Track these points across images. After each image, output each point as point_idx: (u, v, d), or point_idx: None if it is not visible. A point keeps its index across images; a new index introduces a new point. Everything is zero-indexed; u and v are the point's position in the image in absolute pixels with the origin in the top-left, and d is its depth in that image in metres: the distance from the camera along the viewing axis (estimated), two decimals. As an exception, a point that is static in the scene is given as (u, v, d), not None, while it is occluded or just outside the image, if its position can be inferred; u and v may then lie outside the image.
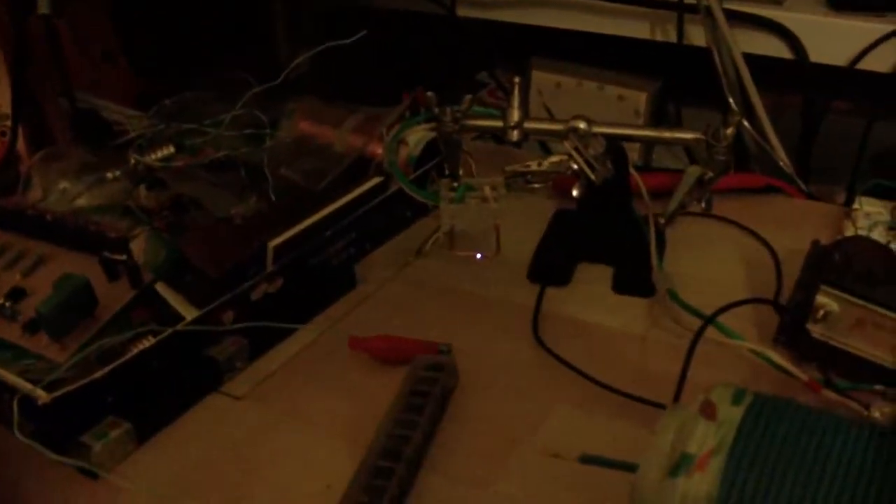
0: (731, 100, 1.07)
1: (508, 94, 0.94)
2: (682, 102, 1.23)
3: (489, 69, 1.40)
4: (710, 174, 0.88)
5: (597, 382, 0.82)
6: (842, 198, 1.17)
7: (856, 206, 1.02)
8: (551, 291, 0.94)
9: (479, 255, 0.94)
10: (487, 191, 0.91)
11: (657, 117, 1.24)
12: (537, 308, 0.91)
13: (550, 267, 0.96)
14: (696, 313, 0.85)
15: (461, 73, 1.40)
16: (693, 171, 0.87)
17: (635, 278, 0.94)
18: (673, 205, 0.85)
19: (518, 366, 0.84)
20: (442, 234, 0.92)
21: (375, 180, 1.00)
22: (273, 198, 0.96)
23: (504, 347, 0.86)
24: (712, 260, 0.97)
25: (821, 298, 0.81)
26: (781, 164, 1.09)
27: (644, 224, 0.96)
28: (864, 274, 0.81)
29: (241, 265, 0.88)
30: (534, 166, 1.03)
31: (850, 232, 0.99)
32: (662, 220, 0.84)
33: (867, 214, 1.01)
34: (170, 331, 0.81)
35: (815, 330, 0.82)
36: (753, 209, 1.05)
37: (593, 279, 0.96)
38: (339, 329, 0.90)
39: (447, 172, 0.92)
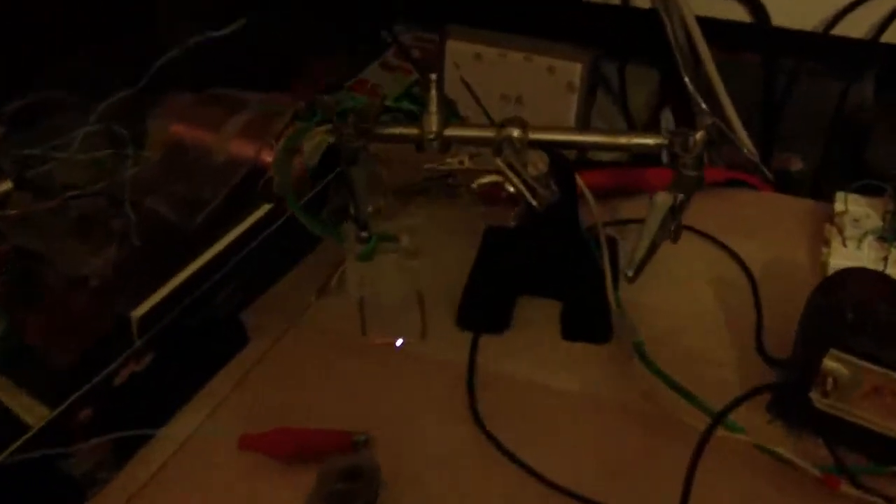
0: (696, 95, 0.88)
1: (425, 94, 0.75)
2: (626, 71, 1.07)
3: (390, 29, 1.20)
4: (682, 197, 0.69)
5: (554, 486, 0.65)
6: (798, 164, 1.04)
7: (839, 206, 0.86)
8: (487, 340, 0.77)
9: (399, 342, 0.75)
10: (404, 241, 0.71)
11: (594, 92, 1.06)
12: (471, 370, 0.74)
13: (484, 309, 0.80)
14: (682, 392, 0.68)
15: (362, 35, 1.20)
16: (662, 202, 0.68)
17: (589, 321, 0.78)
18: (641, 251, 0.65)
19: (454, 457, 0.68)
20: (352, 300, 0.73)
21: (264, 209, 0.82)
22: (137, 243, 0.75)
23: (435, 430, 0.70)
24: (675, 282, 0.82)
25: (829, 364, 0.64)
26: (746, 151, 0.91)
27: (595, 248, 0.80)
28: (881, 329, 0.64)
29: (98, 344, 0.69)
30: (455, 165, 0.90)
31: (835, 241, 0.83)
32: (630, 275, 0.65)
33: (855, 220, 0.83)
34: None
35: (821, 401, 0.65)
36: (716, 210, 0.89)
37: (537, 319, 0.80)
38: (228, 410, 0.72)
39: (353, 212, 0.73)
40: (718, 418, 0.62)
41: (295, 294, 0.84)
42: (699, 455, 0.59)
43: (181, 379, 0.74)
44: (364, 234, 0.72)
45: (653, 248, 0.67)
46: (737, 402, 0.63)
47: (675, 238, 0.70)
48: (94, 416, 0.67)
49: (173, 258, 0.75)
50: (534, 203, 0.70)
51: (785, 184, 0.99)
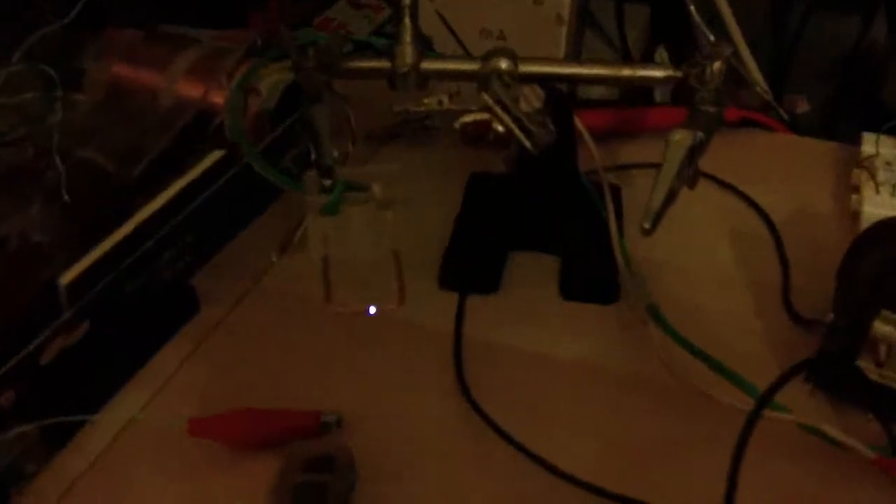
0: (702, 26, 0.78)
1: (397, 24, 0.65)
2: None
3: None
4: (700, 136, 0.59)
5: (557, 473, 0.56)
6: (804, 106, 0.99)
7: (868, 148, 0.78)
8: (475, 302, 0.69)
9: (372, 310, 0.65)
10: (376, 191, 0.63)
11: (583, 28, 0.97)
12: (458, 339, 0.66)
13: (470, 267, 0.72)
14: (716, 366, 0.59)
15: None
16: (680, 140, 0.58)
17: (592, 278, 0.70)
18: (658, 199, 0.55)
19: (442, 441, 0.60)
20: (314, 261, 0.64)
21: (215, 156, 0.71)
22: (67, 197, 0.66)
23: (418, 409, 0.62)
24: (687, 235, 0.73)
25: (881, 328, 0.56)
26: (759, 89, 0.84)
27: (597, 197, 0.72)
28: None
29: (20, 316, 0.58)
30: (433, 105, 0.83)
31: (867, 187, 0.75)
32: (647, 227, 0.56)
33: (887, 164, 0.76)
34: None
35: (873, 371, 0.57)
36: (729, 154, 0.80)
37: (532, 278, 0.72)
38: (176, 389, 0.64)
39: (314, 157, 0.63)
40: (766, 399, 0.52)
41: (253, 254, 0.74)
42: (745, 443, 0.49)
43: (120, 355, 0.64)
44: (328, 182, 0.63)
45: (671, 196, 0.57)
46: (784, 379, 0.53)
47: (693, 184, 0.61)
48: (17, 399, 0.57)
49: (110, 215, 0.65)
50: (527, 145, 0.61)
51: (790, 127, 0.92)
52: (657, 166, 0.70)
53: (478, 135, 0.79)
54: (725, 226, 0.76)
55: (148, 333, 0.67)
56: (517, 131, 0.61)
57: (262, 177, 0.67)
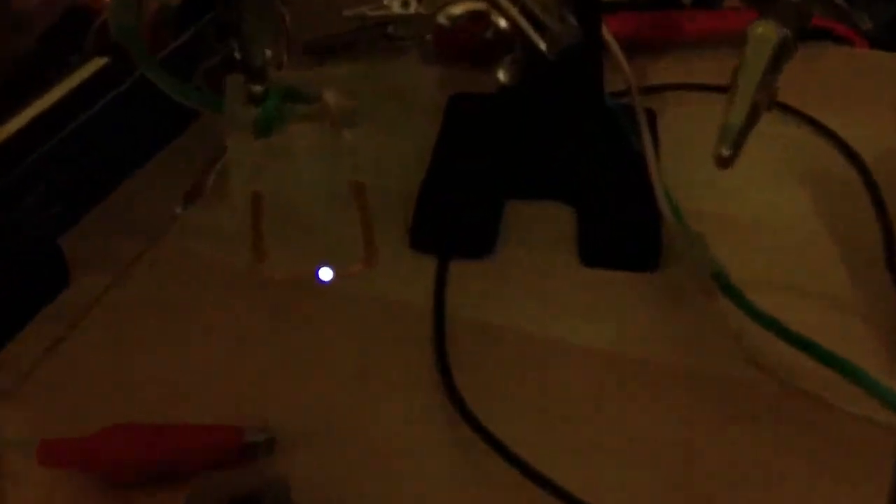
0: None
1: None
2: None
3: None
4: (786, 32, 0.51)
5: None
6: (867, 24, 0.88)
7: None
8: (461, 270, 0.64)
9: (325, 275, 0.57)
10: (330, 99, 0.55)
11: None
12: (438, 318, 0.60)
13: (452, 222, 0.67)
14: (814, 349, 0.51)
15: None
16: (765, 34, 0.50)
17: (623, 235, 0.64)
18: (739, 115, 0.47)
19: (419, 459, 0.54)
20: (234, 207, 0.57)
21: (94, 66, 0.67)
22: None
23: (384, 412, 0.57)
24: (752, 179, 0.67)
25: None
26: None
27: (629, 125, 0.66)
28: None
29: None
30: (396, 8, 0.79)
31: None
32: (726, 153, 0.47)
33: None
34: None
35: None
36: (800, 75, 0.66)
37: (538, 236, 0.66)
38: (30, 395, 0.57)
39: (239, 56, 0.57)
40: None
41: (148, 202, 0.70)
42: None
43: None
44: (258, 89, 0.56)
45: (754, 112, 0.49)
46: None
47: (771, 104, 0.53)
48: None
49: None
50: (540, 46, 0.55)
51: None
52: (700, 88, 0.71)
53: (460, 44, 0.74)
54: (800, 166, 0.69)
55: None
56: (527, 27, 0.55)
57: (161, 96, 0.61)
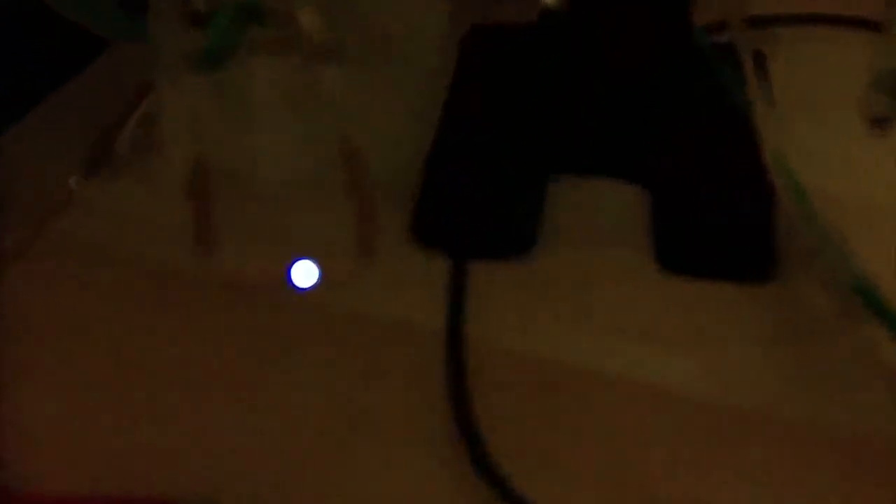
0: None
1: None
2: None
3: None
4: None
5: None
6: None
7: None
8: (486, 275, 0.59)
9: (305, 275, 0.54)
10: (306, 21, 0.53)
11: None
12: (454, 343, 0.55)
13: (472, 209, 0.62)
14: None
15: None
16: None
17: (724, 231, 0.59)
18: None
19: None
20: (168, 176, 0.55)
21: None
22: None
23: (381, 474, 0.52)
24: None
25: None
26: None
27: (729, 74, 0.63)
28: None
29: None
30: None
31: None
32: (882, 113, 0.56)
33: None
34: None
35: None
36: None
37: (597, 229, 0.62)
38: None
39: None
40: None
41: (28, 172, 0.64)
42: None
43: None
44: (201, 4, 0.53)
45: None
46: None
47: None
48: None
49: None
50: None
51: None
52: (827, 20, 0.71)
53: None
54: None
55: None
56: None
57: (47, 15, 0.57)
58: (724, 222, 0.60)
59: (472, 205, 0.61)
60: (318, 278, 0.54)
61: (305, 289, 0.54)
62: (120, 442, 0.51)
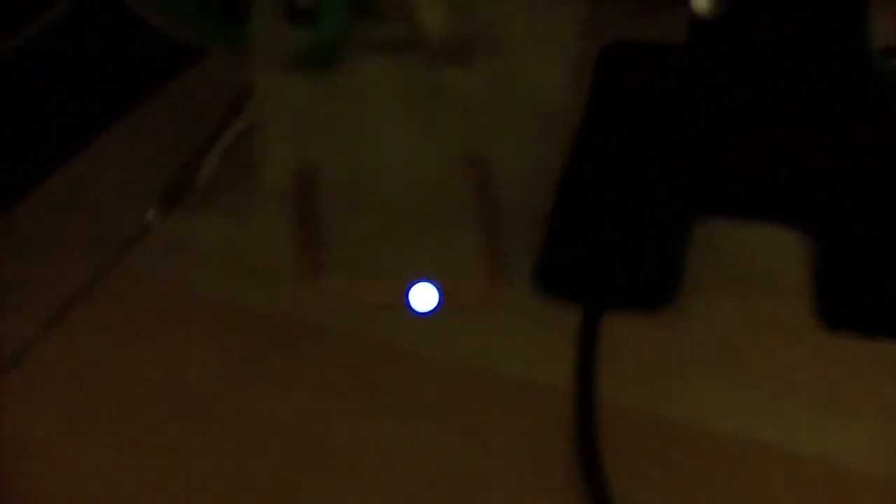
0: None
1: None
2: None
3: None
4: None
5: None
6: None
7: None
8: (622, 328, 0.62)
9: (425, 299, 0.58)
10: (429, 13, 0.56)
11: None
12: (584, 405, 0.59)
13: (607, 255, 0.66)
14: None
15: None
16: None
17: None
18: None
19: None
20: (266, 189, 0.58)
21: None
22: None
23: None
24: None
25: None
26: None
27: None
28: None
29: None
30: None
31: None
32: None
33: None
34: None
35: None
36: None
37: (748, 279, 0.65)
38: None
39: None
40: None
41: (100, 202, 0.70)
42: None
43: None
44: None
45: None
46: None
47: None
48: None
49: None
50: None
51: None
52: None
53: None
54: None
55: None
56: None
57: (127, 24, 0.66)
58: None
59: (607, 250, 0.65)
60: (438, 304, 0.57)
61: (425, 314, 0.57)
62: (188, 490, 0.57)
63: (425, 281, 0.56)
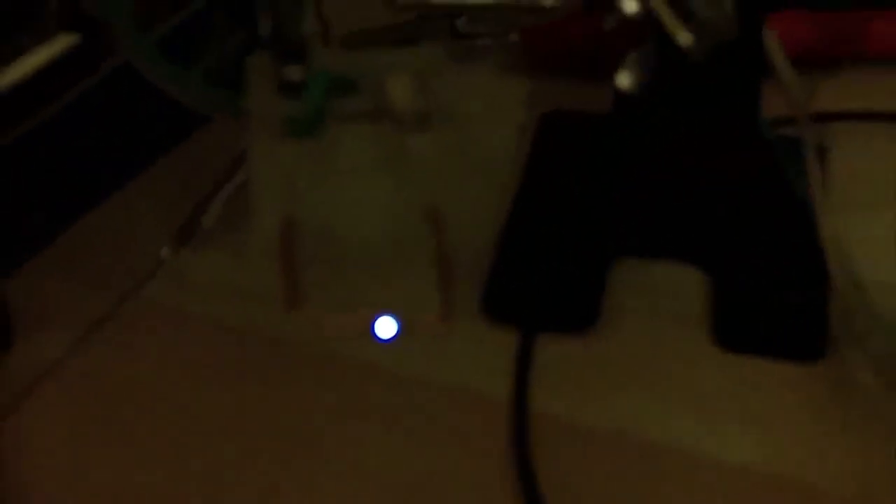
0: None
1: None
2: None
3: None
4: None
5: None
6: None
7: None
8: (551, 349, 0.62)
9: (387, 329, 0.58)
10: (395, 91, 0.56)
11: None
12: (519, 415, 0.58)
13: (540, 286, 0.66)
14: None
15: None
16: None
17: (780, 314, 0.62)
18: None
19: None
20: (257, 236, 0.58)
21: (60, 43, 0.66)
22: None
23: None
24: None
25: None
26: None
27: (791, 166, 0.65)
28: None
29: None
30: None
31: None
32: None
33: None
34: None
35: None
36: None
37: (656, 307, 0.65)
38: None
39: (268, 31, 0.58)
40: None
41: (124, 241, 0.69)
42: None
43: None
44: (296, 73, 0.57)
45: None
46: None
47: None
48: None
49: None
50: (681, 40, 0.55)
51: None
52: (881, 117, 0.72)
53: (563, 41, 0.75)
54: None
55: None
56: (667, 11, 0.55)
57: (150, 92, 0.62)
58: (780, 305, 0.63)
59: (540, 282, 0.65)
60: (398, 332, 0.57)
61: (384, 340, 0.57)
62: (186, 495, 0.55)
63: (387, 314, 0.56)
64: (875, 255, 0.61)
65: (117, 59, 0.67)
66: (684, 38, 0.55)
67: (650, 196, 0.68)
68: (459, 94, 0.74)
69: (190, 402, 0.60)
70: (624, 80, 0.63)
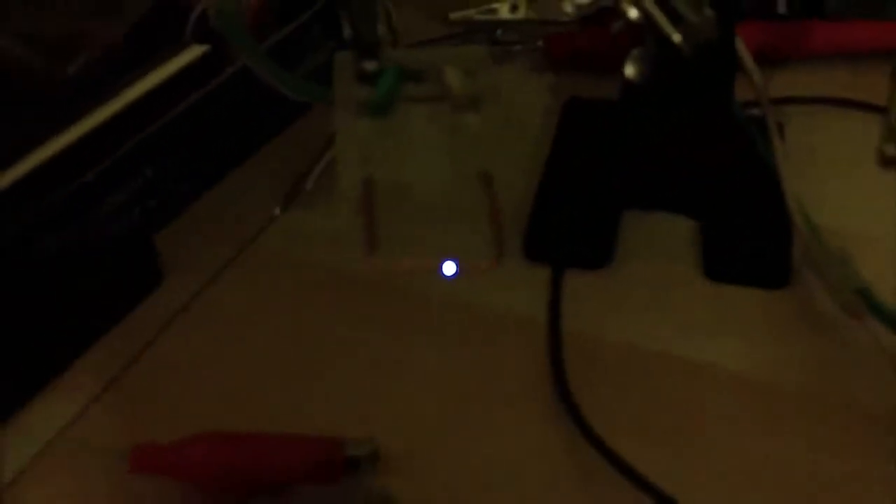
0: None
1: None
2: None
3: None
4: None
5: None
6: None
7: None
8: (577, 281, 0.60)
9: (448, 268, 0.52)
10: (452, 79, 0.52)
11: None
12: (554, 331, 0.55)
13: (567, 232, 0.64)
14: None
15: None
16: None
17: (752, 250, 0.61)
18: None
19: (536, 478, 0.49)
20: (342, 194, 0.53)
21: (194, 52, 0.62)
22: None
23: (497, 428, 0.52)
24: (885, 194, 0.63)
25: None
26: None
27: (759, 136, 0.63)
28: None
29: None
30: (504, 12, 0.75)
31: None
32: (892, 152, 0.45)
33: None
34: None
35: None
36: None
37: (659, 248, 0.63)
38: (117, 400, 0.52)
39: (350, 33, 0.55)
40: None
41: (247, 201, 0.66)
42: None
43: (37, 343, 0.53)
44: (372, 66, 0.53)
45: None
46: None
47: None
48: None
49: (31, 128, 0.55)
50: (675, 39, 0.53)
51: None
52: (827, 101, 0.69)
53: (570, 53, 0.72)
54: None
55: (81, 313, 0.55)
56: (662, 16, 0.52)
57: (263, 88, 0.58)
58: (754, 244, 0.61)
59: (567, 231, 0.64)
60: (456, 272, 0.54)
61: (449, 277, 0.53)
62: (302, 398, 0.53)
63: (448, 258, 0.53)
64: (826, 207, 0.58)
65: (238, 63, 0.63)
66: (677, 37, 0.53)
67: (652, 161, 0.65)
68: (502, 82, 0.74)
69: (295, 324, 0.59)
70: (630, 71, 0.61)
